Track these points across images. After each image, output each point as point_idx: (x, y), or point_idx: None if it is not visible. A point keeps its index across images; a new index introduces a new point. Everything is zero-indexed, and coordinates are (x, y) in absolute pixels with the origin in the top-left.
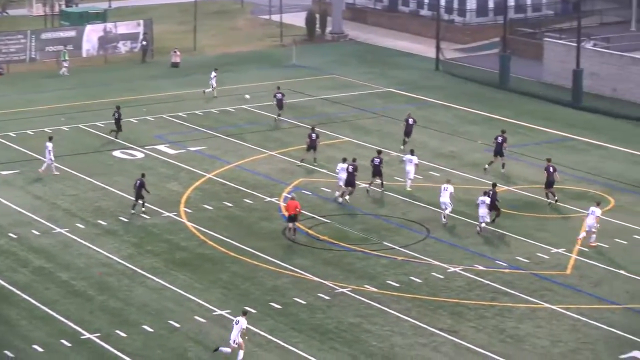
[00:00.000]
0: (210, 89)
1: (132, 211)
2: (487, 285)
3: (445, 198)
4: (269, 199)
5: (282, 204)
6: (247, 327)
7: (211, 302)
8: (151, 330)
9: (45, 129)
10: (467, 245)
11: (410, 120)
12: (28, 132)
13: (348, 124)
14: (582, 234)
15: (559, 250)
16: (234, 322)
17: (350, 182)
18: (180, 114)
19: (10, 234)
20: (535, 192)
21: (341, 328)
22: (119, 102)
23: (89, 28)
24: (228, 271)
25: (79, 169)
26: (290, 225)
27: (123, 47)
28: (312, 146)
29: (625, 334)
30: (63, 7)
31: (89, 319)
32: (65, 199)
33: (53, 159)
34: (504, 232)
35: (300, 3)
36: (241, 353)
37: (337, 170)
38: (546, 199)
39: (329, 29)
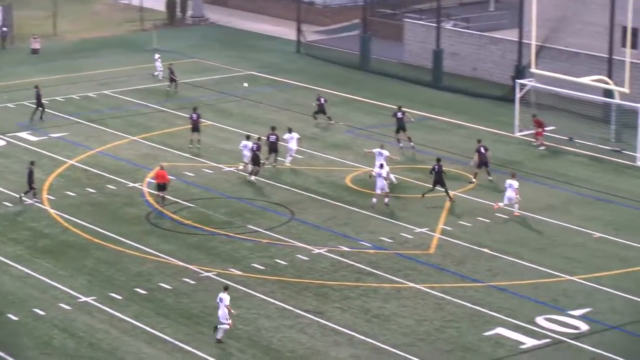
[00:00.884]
0: (158, 72)
1: (26, 199)
2: (351, 266)
3: (380, 182)
4: (132, 184)
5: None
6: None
7: (76, 289)
8: (16, 318)
9: None
10: (331, 226)
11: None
12: None
13: (210, 108)
14: (500, 204)
15: (422, 230)
16: (217, 301)
17: (256, 160)
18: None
19: None
20: (397, 172)
21: (207, 312)
22: None
23: None
24: (92, 258)
25: None
26: (160, 193)
27: None
28: (194, 127)
29: (489, 311)
30: None
31: None
32: None
33: None
34: (368, 213)
35: None
36: (224, 328)
37: (240, 147)
38: (473, 178)
39: (189, 12)
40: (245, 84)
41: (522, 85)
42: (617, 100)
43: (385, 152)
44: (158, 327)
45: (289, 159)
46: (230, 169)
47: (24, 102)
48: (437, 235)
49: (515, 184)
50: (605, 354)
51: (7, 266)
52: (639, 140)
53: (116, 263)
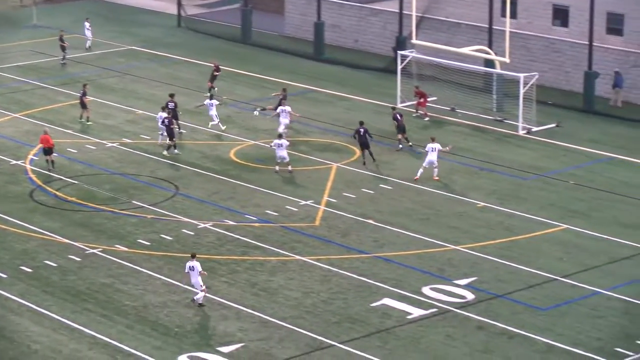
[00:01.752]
0: (88, 41)
1: None
2: (237, 239)
3: (282, 152)
4: (14, 162)
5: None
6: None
7: None
8: None
9: None
10: (216, 200)
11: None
12: None
13: (92, 84)
14: (419, 172)
15: (307, 202)
16: (187, 269)
17: (170, 134)
18: None
19: None
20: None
21: (93, 289)
22: None
23: None
24: None
25: None
26: (48, 157)
27: None
28: (82, 104)
29: (375, 282)
30: None
31: None
32: None
33: None
34: (253, 187)
35: None
36: (202, 294)
37: (157, 119)
38: (399, 145)
39: None
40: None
41: (404, 57)
42: (498, 70)
43: (288, 108)
44: (44, 304)
45: (216, 121)
46: (114, 144)
47: None
48: (322, 207)
49: (437, 146)
50: (491, 322)
51: None
52: (521, 110)
53: (0, 242)
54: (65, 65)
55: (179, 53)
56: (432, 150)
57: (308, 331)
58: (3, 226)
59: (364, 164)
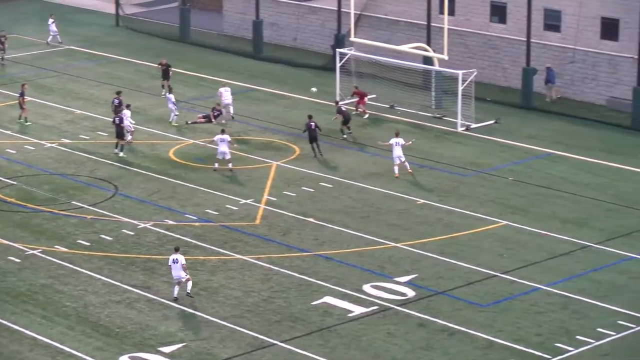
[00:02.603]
0: (51, 37)
1: None
2: (178, 239)
3: (224, 148)
4: None
5: None
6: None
7: None
8: None
9: None
10: (156, 200)
11: (344, 108)
12: None
13: (31, 84)
14: (396, 169)
15: (247, 201)
16: (171, 262)
17: (119, 134)
18: None
19: None
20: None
21: (34, 290)
22: None
23: None
24: None
25: None
26: None
27: None
28: (20, 105)
29: (316, 281)
30: None
31: None
32: None
33: None
34: (193, 186)
35: None
36: (190, 283)
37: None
38: (342, 135)
39: None
40: (314, 89)
41: (342, 54)
42: (436, 67)
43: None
44: None
45: (174, 117)
46: (53, 144)
47: None
48: (262, 206)
49: (400, 141)
50: (432, 319)
51: None
52: (459, 107)
53: None
54: (4, 65)
55: (117, 52)
56: (397, 145)
57: (249, 330)
58: None
59: (315, 156)
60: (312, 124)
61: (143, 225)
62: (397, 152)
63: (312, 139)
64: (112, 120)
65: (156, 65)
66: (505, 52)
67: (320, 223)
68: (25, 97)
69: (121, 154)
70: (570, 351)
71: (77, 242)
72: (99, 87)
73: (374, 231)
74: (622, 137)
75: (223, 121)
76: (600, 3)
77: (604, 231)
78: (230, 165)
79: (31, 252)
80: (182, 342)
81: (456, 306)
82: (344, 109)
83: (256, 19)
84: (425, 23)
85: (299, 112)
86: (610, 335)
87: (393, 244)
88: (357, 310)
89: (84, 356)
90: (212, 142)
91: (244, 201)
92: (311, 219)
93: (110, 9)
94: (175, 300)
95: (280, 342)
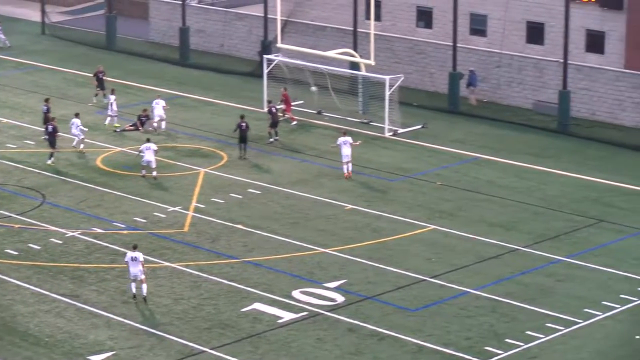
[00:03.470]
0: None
1: None
2: (106, 247)
3: (150, 156)
4: None
5: None
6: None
7: None
8: None
9: None
10: (84, 208)
11: (274, 109)
12: None
13: None
14: (345, 167)
15: (176, 209)
16: (129, 259)
17: (52, 142)
18: None
19: None
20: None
21: None
22: None
23: None
24: None
25: None
26: None
27: None
28: None
29: (245, 287)
30: None
31: None
32: None
33: None
34: (121, 194)
35: None
36: (145, 286)
37: (70, 125)
38: (269, 137)
39: None
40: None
41: (270, 61)
42: (363, 73)
43: (162, 102)
44: None
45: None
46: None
47: None
48: (190, 213)
49: (349, 140)
50: (362, 324)
51: None
52: (387, 112)
53: None
54: None
55: (43, 60)
56: (345, 144)
57: (179, 338)
58: None
59: (240, 157)
60: (244, 124)
61: (71, 233)
62: (346, 151)
63: (242, 139)
64: (44, 129)
65: (92, 75)
66: (431, 57)
67: (249, 229)
68: None
69: (49, 162)
70: (500, 354)
71: (5, 252)
72: (26, 95)
73: (302, 237)
74: (549, 141)
75: (150, 129)
76: (525, 7)
77: (531, 234)
78: (154, 174)
79: None
80: (111, 351)
81: (385, 311)
82: (274, 110)
83: (183, 26)
84: (352, 29)
85: (227, 119)
86: (539, 338)
87: (322, 250)
88: (287, 316)
89: None
90: (140, 151)
91: (172, 209)
92: (240, 226)
93: (36, 17)
94: (134, 297)
95: (210, 349)
